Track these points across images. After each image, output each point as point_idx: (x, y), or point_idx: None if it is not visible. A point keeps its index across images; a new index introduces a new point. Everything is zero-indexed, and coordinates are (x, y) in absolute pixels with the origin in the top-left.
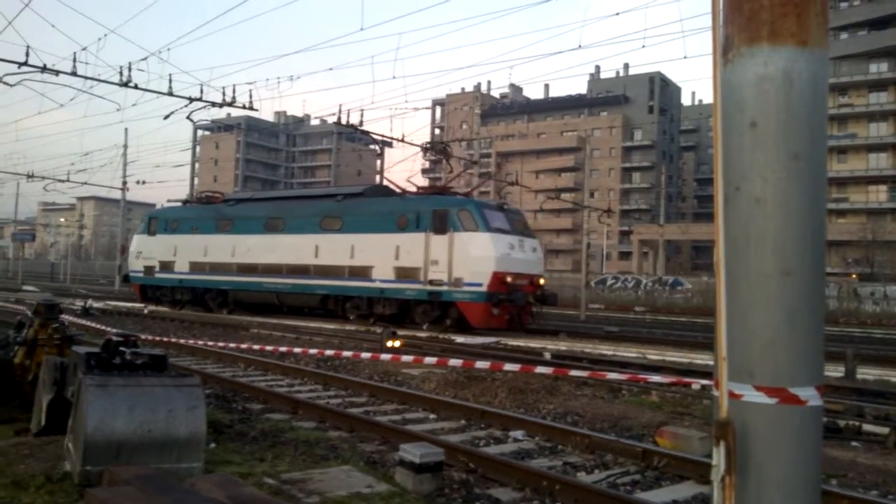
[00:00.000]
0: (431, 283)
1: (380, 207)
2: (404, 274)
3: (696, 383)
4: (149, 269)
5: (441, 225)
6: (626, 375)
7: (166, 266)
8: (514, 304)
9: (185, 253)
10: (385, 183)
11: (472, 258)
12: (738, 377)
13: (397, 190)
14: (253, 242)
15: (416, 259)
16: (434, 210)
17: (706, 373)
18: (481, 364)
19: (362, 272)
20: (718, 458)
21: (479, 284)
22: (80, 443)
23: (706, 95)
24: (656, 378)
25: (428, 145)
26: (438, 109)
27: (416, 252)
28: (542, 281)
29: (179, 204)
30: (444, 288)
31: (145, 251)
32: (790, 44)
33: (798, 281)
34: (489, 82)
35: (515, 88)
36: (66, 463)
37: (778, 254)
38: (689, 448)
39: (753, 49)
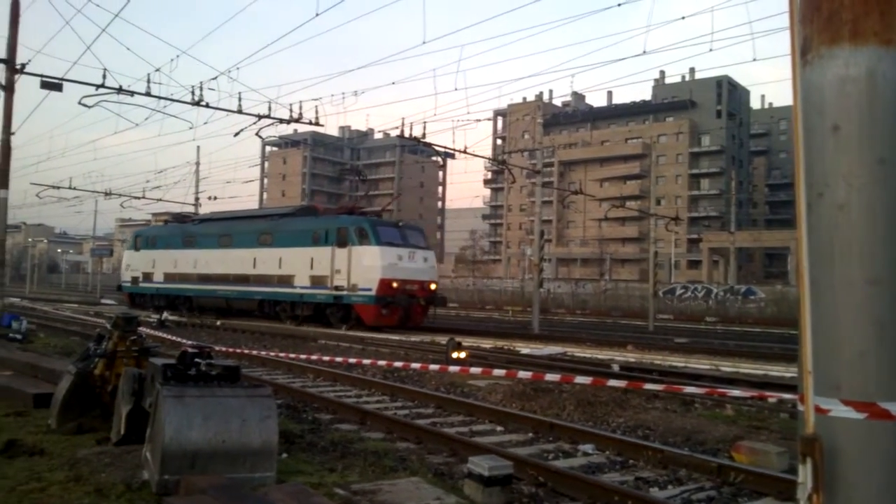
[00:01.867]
0: (336, 288)
1: (300, 225)
2: (317, 281)
3: (778, 397)
4: (135, 280)
5: (343, 240)
6: (704, 389)
7: (147, 277)
8: (398, 305)
9: (160, 265)
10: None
11: (364, 267)
12: (825, 391)
13: (320, 210)
14: (209, 256)
15: (324, 268)
16: (338, 227)
17: (783, 385)
18: (551, 376)
19: (287, 280)
20: (805, 475)
21: (370, 289)
22: (157, 452)
23: (777, 98)
24: (736, 392)
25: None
26: (500, 120)
27: (325, 263)
28: (433, 286)
29: (162, 223)
30: (345, 292)
31: (132, 264)
32: (873, 43)
33: (887, 290)
34: (551, 91)
35: (578, 96)
36: (144, 472)
37: (865, 262)
38: (766, 463)
39: (834, 50)
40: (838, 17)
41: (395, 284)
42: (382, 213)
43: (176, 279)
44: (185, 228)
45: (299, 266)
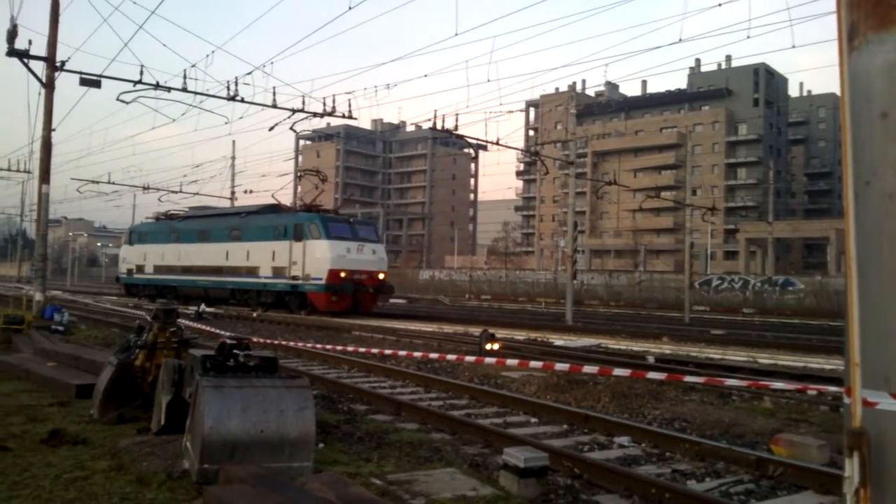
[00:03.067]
0: (293, 278)
1: (265, 222)
2: (278, 272)
3: (822, 389)
4: (129, 272)
5: (298, 234)
6: (746, 382)
7: (140, 269)
8: (346, 293)
9: (150, 258)
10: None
11: (315, 259)
12: (873, 384)
13: (284, 208)
14: (191, 250)
15: (284, 260)
16: (295, 223)
17: (823, 377)
18: (589, 369)
19: (253, 271)
20: (852, 469)
21: (320, 278)
22: (197, 442)
23: (816, 86)
24: (778, 384)
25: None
26: (532, 111)
27: (284, 255)
28: (381, 276)
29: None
30: (300, 282)
31: (127, 257)
32: None
33: None
34: (584, 81)
35: (611, 86)
36: (184, 461)
37: None
38: (806, 456)
39: (882, 35)
40: (887, 1)
41: (343, 274)
42: (337, 209)
43: (163, 271)
44: (171, 225)
45: (263, 258)
